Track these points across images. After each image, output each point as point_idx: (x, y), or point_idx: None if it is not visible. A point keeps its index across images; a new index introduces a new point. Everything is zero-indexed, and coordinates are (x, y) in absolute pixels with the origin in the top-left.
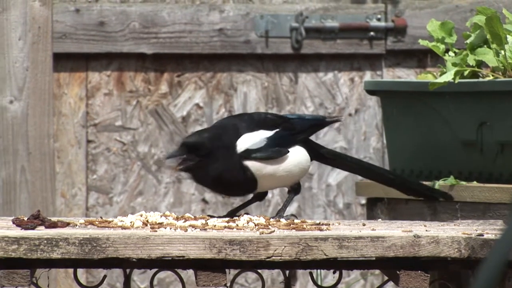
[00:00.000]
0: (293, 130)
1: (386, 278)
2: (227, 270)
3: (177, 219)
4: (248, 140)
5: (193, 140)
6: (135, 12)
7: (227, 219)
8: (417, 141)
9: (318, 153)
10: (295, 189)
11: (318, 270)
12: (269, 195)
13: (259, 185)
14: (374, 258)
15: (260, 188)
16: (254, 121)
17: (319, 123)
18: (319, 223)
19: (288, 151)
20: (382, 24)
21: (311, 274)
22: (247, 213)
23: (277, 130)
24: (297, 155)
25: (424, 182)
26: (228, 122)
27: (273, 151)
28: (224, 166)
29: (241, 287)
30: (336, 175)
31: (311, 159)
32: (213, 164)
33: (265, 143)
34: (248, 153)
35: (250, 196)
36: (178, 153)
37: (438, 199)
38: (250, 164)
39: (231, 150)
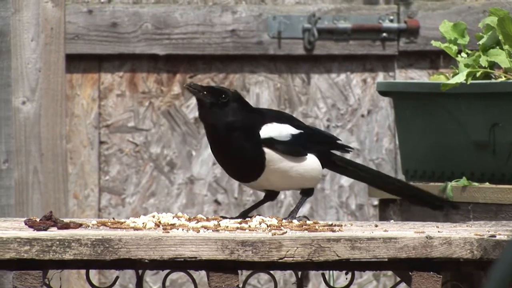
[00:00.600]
0: (313, 138)
1: (398, 279)
2: (239, 271)
3: (189, 220)
4: (275, 130)
5: (217, 87)
6: (148, 13)
7: (239, 220)
8: (429, 142)
9: (330, 160)
10: (307, 191)
11: (331, 271)
12: (281, 196)
13: (264, 176)
14: (386, 259)
15: (265, 179)
16: (284, 116)
17: (332, 142)
18: (332, 224)
19: (307, 154)
20: (395, 25)
21: (323, 275)
22: (259, 214)
23: (302, 131)
24: (312, 162)
25: (437, 183)
26: (260, 109)
27: (294, 148)
28: (241, 140)
29: None
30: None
31: (323, 167)
32: (225, 118)
33: (290, 139)
34: (271, 142)
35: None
36: (202, 87)
37: (446, 209)
38: (268, 152)
39: (254, 131)
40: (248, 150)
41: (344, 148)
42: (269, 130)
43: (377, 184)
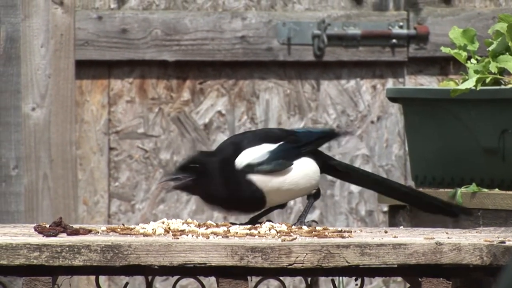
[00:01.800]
0: (298, 143)
1: (408, 285)
2: (249, 277)
3: (199, 226)
4: (250, 155)
5: (185, 160)
6: (157, 20)
7: (249, 226)
8: (439, 148)
9: (329, 165)
10: (314, 194)
11: (340, 278)
12: (291, 202)
13: (267, 199)
14: (396, 265)
15: (270, 202)
16: (257, 137)
17: (327, 135)
18: (341, 230)
19: (292, 164)
20: (404, 31)
21: (333, 281)
22: (269, 220)
23: (281, 143)
24: (303, 167)
25: (446, 190)
26: (230, 140)
27: (276, 163)
28: (226, 182)
29: None
30: None
31: (321, 172)
32: (212, 181)
33: (268, 156)
34: (251, 167)
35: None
36: (173, 174)
37: (456, 216)
38: (254, 178)
39: (230, 167)
40: (240, 186)
41: (340, 134)
42: (244, 158)
43: (379, 189)
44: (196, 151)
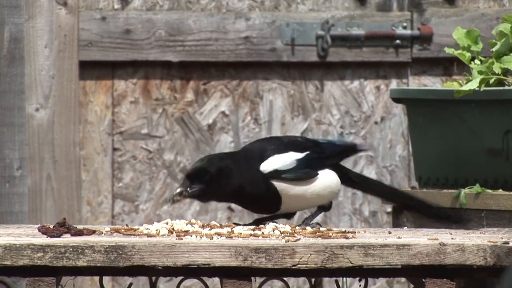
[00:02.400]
0: (322, 154)
1: (411, 286)
2: (252, 278)
3: (202, 227)
4: (278, 161)
5: (193, 168)
6: (161, 20)
7: (252, 227)
8: (442, 149)
9: (347, 177)
10: (325, 206)
11: (344, 278)
12: None
13: (283, 205)
14: (399, 266)
15: (284, 208)
16: (284, 144)
17: (350, 149)
18: (345, 231)
19: (318, 174)
20: (408, 32)
21: (336, 282)
22: (273, 221)
23: (308, 152)
24: (326, 179)
25: (450, 190)
26: (254, 145)
27: (303, 172)
28: (247, 183)
29: None
30: None
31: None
32: (228, 183)
33: (295, 165)
34: (278, 174)
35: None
36: (182, 186)
37: (459, 223)
38: (277, 184)
39: (255, 170)
40: (261, 189)
41: (360, 150)
42: (270, 164)
43: (392, 200)
44: (205, 156)
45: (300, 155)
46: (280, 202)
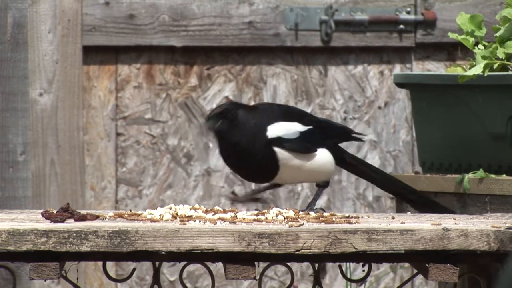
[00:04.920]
0: (323, 133)
1: (415, 271)
2: (256, 263)
3: (206, 212)
4: (282, 129)
5: (218, 108)
6: (165, 5)
7: (256, 212)
8: (446, 134)
9: (341, 158)
10: (324, 183)
11: (347, 263)
12: (298, 188)
13: (278, 175)
14: (403, 251)
15: (279, 178)
16: (292, 113)
17: (346, 134)
18: (348, 216)
19: (316, 150)
20: (412, 17)
21: (340, 267)
22: (277, 207)
23: (311, 127)
24: (323, 157)
25: (454, 175)
26: (266, 106)
27: (304, 145)
28: (252, 144)
29: (271, 280)
30: None
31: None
32: (238, 134)
33: (298, 136)
34: (280, 141)
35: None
36: (212, 122)
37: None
38: (278, 151)
39: (262, 132)
40: (261, 153)
41: (358, 138)
42: (276, 130)
43: (385, 186)
44: (231, 101)
45: (303, 128)
46: (277, 171)
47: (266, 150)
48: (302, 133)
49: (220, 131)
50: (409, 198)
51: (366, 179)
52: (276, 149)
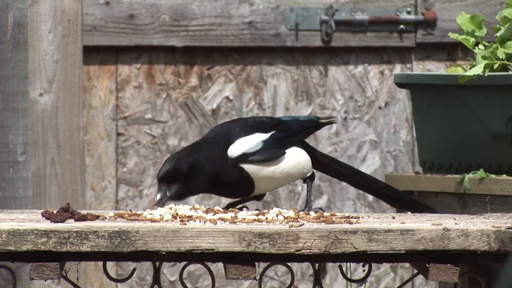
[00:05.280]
0: (288, 131)
1: (415, 271)
2: (256, 263)
3: (206, 212)
4: (244, 145)
5: (165, 171)
6: (165, 5)
7: (256, 212)
8: (446, 134)
9: (313, 157)
10: (309, 177)
11: (348, 263)
12: (299, 188)
13: (256, 187)
14: (403, 251)
15: (258, 190)
16: (249, 125)
17: (314, 124)
18: (349, 216)
19: (285, 153)
20: (412, 17)
21: (340, 267)
22: (245, 207)
23: (273, 132)
24: (295, 156)
25: (454, 175)
26: (219, 130)
27: (270, 153)
28: (217, 173)
29: (271, 280)
30: (366, 168)
31: None
32: (201, 177)
33: (261, 146)
34: (245, 157)
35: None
36: (161, 191)
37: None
38: (247, 167)
39: (222, 157)
40: (232, 175)
41: (329, 122)
42: (237, 148)
43: (359, 184)
44: (172, 156)
45: (265, 136)
46: (253, 185)
47: (234, 171)
48: (265, 141)
49: (177, 197)
50: (390, 197)
51: (340, 179)
52: (244, 165)
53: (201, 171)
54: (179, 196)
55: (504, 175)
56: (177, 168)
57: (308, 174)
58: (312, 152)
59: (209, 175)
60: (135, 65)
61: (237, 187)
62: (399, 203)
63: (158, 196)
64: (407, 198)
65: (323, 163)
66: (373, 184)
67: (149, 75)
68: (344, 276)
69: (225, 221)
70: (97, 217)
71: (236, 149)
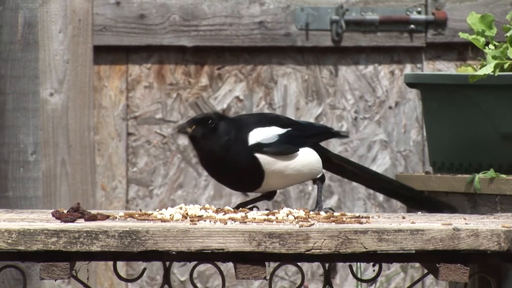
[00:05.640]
0: (303, 133)
1: (426, 271)
2: (266, 263)
3: (216, 212)
4: (261, 134)
5: (199, 114)
6: (175, 5)
7: (266, 212)
8: (457, 134)
9: (326, 158)
10: (319, 178)
11: (358, 263)
12: (309, 187)
13: (265, 181)
14: (413, 251)
15: (266, 184)
16: (267, 119)
17: (327, 131)
18: (359, 216)
19: (298, 150)
20: (423, 17)
21: (350, 267)
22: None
23: (289, 129)
24: (306, 156)
25: (464, 175)
26: (242, 117)
27: (285, 147)
28: (232, 153)
29: (281, 280)
30: (377, 168)
31: None
32: (219, 144)
33: (277, 139)
34: (260, 147)
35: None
36: (187, 124)
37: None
38: (260, 157)
39: (242, 140)
40: (244, 162)
41: (339, 135)
42: (255, 136)
43: (373, 185)
44: (211, 110)
45: (281, 131)
46: (262, 178)
47: (247, 158)
48: (281, 135)
49: (194, 137)
50: (405, 196)
51: (354, 180)
52: (258, 155)
53: (226, 134)
54: (198, 139)
55: None
56: (210, 116)
57: (319, 176)
58: (324, 153)
59: (229, 142)
60: (145, 65)
61: (246, 176)
62: (414, 202)
63: (181, 122)
64: (423, 197)
65: (336, 164)
66: (387, 184)
67: (160, 75)
68: (354, 276)
69: (235, 221)
70: (107, 217)
71: (252, 137)
